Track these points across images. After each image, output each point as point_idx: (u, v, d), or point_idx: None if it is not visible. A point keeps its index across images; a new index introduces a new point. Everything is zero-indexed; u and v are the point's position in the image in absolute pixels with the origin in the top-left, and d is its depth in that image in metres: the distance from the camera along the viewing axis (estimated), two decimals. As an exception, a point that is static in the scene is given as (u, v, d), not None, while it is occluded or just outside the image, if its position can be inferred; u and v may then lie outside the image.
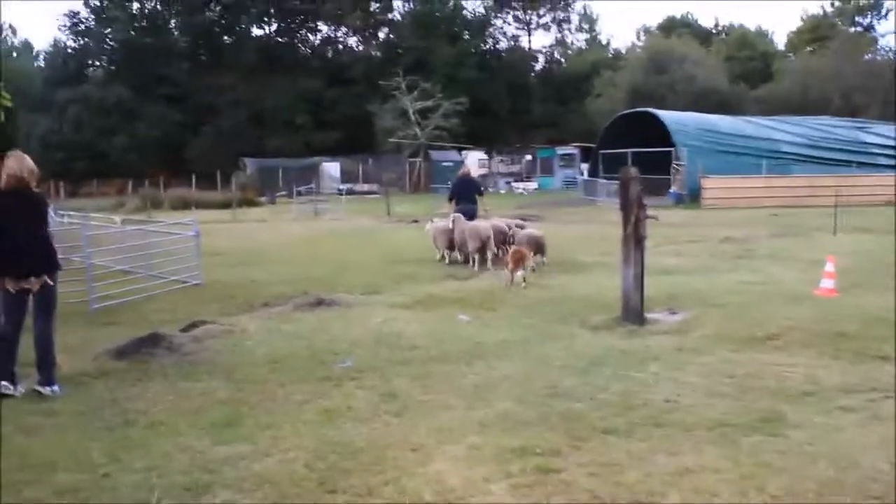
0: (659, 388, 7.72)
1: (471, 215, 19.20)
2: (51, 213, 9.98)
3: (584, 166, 58.24)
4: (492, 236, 17.81)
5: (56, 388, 8.21)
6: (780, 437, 6.29)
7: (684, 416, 6.85)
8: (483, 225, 18.20)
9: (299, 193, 46.99)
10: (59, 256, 8.68)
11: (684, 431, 6.46)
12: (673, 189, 41.97)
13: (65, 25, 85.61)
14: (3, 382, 8.16)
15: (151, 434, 6.75)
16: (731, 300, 12.28)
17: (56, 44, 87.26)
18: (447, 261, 18.71)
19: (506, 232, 18.47)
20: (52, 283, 8.37)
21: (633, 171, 10.82)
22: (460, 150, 66.91)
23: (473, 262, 17.83)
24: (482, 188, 21.60)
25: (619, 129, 48.95)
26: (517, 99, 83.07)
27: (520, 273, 14.71)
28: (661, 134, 43.74)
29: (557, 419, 6.80)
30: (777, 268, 16.26)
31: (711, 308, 11.64)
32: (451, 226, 18.55)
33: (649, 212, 10.92)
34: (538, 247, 17.36)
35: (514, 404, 7.25)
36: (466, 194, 19.99)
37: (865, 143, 46.55)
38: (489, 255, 17.85)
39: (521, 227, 19.08)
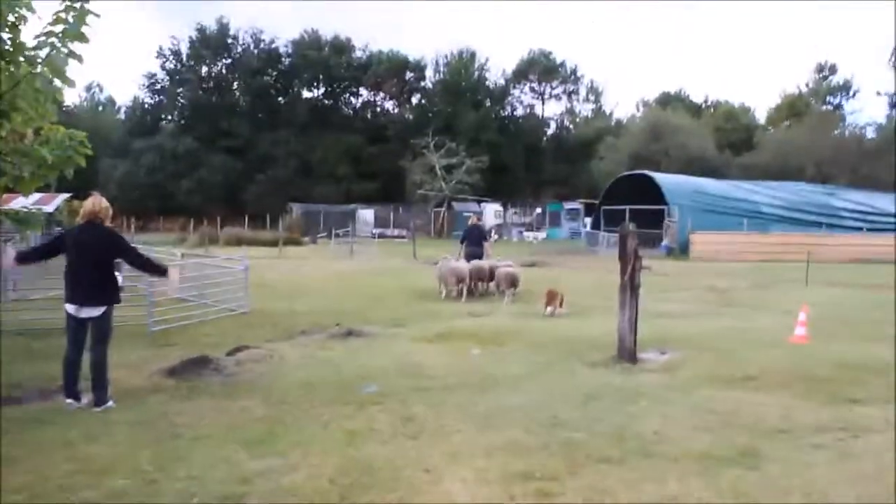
0: (648, 421, 7.52)
1: (477, 256, 20.68)
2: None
3: (588, 220, 58.01)
4: (468, 275, 19.28)
5: (111, 403, 8.10)
6: (757, 471, 6.08)
7: (671, 447, 6.65)
8: (462, 265, 19.60)
9: (338, 235, 46.95)
10: (125, 285, 8.60)
11: (671, 462, 6.26)
12: (665, 242, 41.56)
13: (143, 84, 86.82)
14: (69, 400, 8.10)
15: (195, 446, 6.62)
16: (715, 344, 12.03)
17: (135, 100, 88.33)
18: (443, 294, 19.57)
19: (485, 270, 19.95)
20: (109, 314, 8.26)
21: (631, 226, 10.66)
22: (479, 201, 66.96)
23: (457, 293, 19.10)
24: (487, 235, 23.63)
25: (620, 188, 48.75)
26: (531, 159, 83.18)
27: (549, 309, 15.79)
28: (656, 193, 43.44)
29: (558, 447, 6.62)
30: (756, 315, 16.00)
31: (697, 350, 11.40)
32: (440, 265, 20.17)
33: (644, 262, 10.75)
34: (512, 281, 18.99)
35: (520, 432, 7.07)
36: (474, 238, 21.46)
37: (835, 206, 46.19)
38: (464, 289, 19.17)
39: (507, 266, 20.18)
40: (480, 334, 13.05)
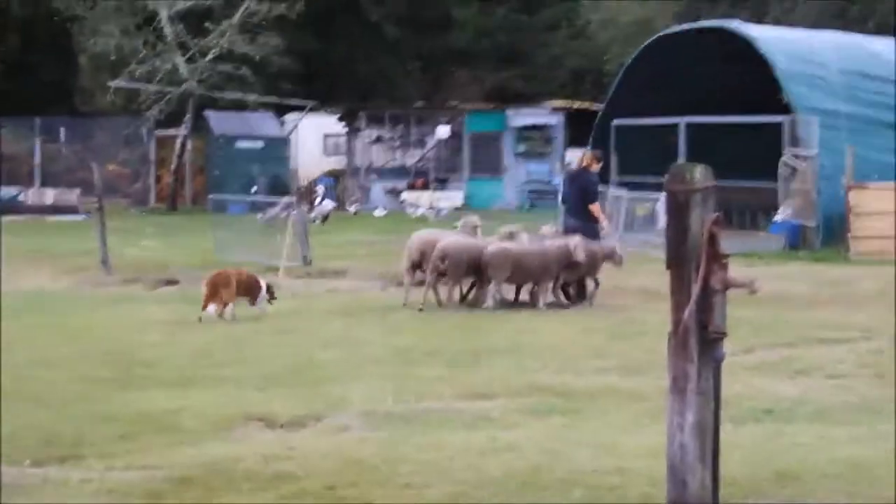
0: None
1: (580, 232, 12.13)
2: None
3: (574, 155, 24.00)
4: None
5: None
6: None
7: None
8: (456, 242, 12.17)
9: None
10: None
11: None
12: (781, 216, 19.40)
13: None
14: None
15: None
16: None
17: None
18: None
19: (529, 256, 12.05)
20: None
21: (700, 172, 3.84)
22: (282, 110, 32.55)
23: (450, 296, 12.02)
24: (594, 188, 13.06)
25: (660, 69, 22.91)
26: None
27: (212, 308, 10.73)
28: (755, 81, 20.48)
29: None
30: None
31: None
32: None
33: (735, 272, 4.00)
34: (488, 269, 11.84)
35: None
36: (576, 198, 12.82)
37: None
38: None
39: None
40: (296, 475, 5.39)
